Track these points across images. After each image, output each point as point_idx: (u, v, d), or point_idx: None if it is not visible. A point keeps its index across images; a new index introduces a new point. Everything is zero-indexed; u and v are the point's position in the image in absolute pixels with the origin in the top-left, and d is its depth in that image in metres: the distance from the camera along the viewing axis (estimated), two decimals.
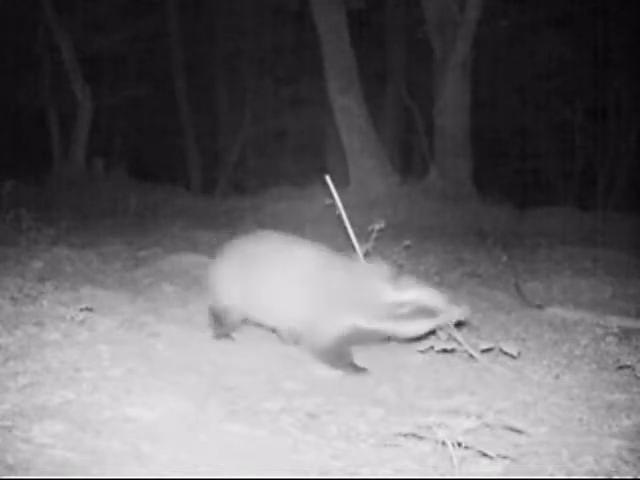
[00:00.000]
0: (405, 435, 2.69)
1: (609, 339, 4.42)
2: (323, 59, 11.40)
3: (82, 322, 3.78)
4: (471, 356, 3.79)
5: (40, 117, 16.41)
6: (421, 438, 2.62)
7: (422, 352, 3.74)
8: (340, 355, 3.66)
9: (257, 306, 3.88)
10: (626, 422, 3.10)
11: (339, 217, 4.90)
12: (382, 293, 3.55)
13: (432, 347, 3.65)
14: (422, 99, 14.57)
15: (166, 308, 4.59)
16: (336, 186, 4.86)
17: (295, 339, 3.92)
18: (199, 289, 5.22)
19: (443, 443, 2.47)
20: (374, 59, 16.49)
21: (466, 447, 2.46)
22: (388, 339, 3.77)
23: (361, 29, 14.28)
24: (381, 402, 3.24)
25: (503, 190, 11.96)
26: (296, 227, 8.61)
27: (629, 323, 4.79)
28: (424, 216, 9.64)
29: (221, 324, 4.04)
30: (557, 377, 3.71)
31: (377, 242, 5.03)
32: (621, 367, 3.80)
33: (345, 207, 4.80)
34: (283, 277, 3.75)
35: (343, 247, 6.25)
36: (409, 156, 17.85)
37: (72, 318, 3.79)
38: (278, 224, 8.81)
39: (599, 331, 4.59)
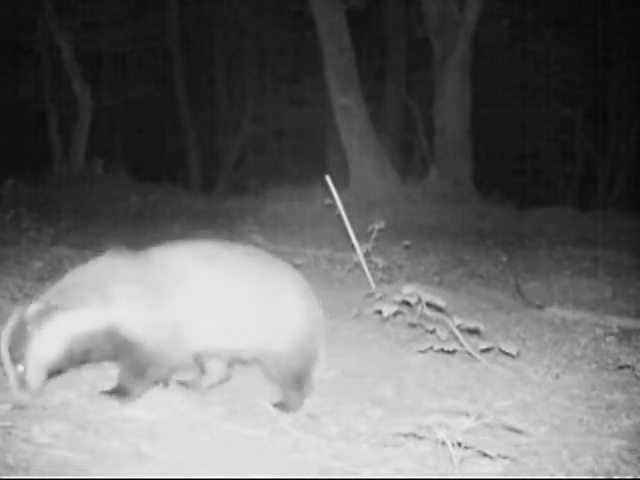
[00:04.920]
0: (405, 435, 2.68)
1: (609, 339, 4.42)
2: (323, 59, 11.40)
3: None
4: (471, 356, 3.79)
5: (40, 117, 16.41)
6: (421, 438, 2.61)
7: (422, 352, 3.74)
8: None
9: None
10: (626, 422, 3.10)
11: (339, 217, 4.91)
12: None
13: (432, 347, 3.64)
14: (422, 99, 14.56)
15: None
16: (336, 186, 4.86)
17: None
18: None
19: (443, 443, 2.47)
20: (374, 59, 16.50)
21: (466, 447, 2.45)
22: None
23: (361, 29, 14.27)
24: (381, 402, 3.24)
25: (503, 190, 11.96)
26: (296, 227, 8.64)
27: (629, 323, 4.80)
28: (424, 216, 9.63)
29: None
30: (557, 377, 3.71)
31: (377, 242, 5.03)
32: (621, 367, 3.80)
33: (345, 207, 4.80)
34: None
35: (343, 247, 6.28)
36: (409, 156, 17.83)
37: None
38: (278, 224, 8.83)
39: (599, 331, 4.59)
